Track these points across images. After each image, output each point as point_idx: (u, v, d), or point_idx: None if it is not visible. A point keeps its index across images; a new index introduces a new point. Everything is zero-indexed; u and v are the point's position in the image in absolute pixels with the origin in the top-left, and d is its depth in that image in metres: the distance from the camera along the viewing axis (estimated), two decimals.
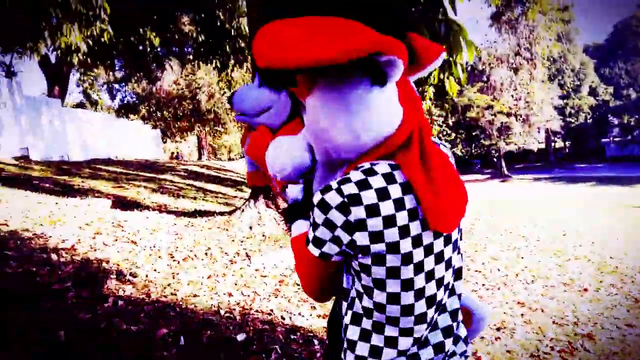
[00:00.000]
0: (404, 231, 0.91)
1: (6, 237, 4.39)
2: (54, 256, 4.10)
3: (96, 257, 4.26)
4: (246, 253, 5.22)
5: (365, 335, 1.01)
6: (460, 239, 1.08)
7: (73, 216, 5.50)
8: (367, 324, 1.01)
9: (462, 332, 1.11)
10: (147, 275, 4.09)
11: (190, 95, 28.60)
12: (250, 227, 6.28)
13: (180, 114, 28.72)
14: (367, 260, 0.93)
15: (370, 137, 0.94)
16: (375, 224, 0.89)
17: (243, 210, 6.62)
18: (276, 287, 4.42)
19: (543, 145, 46.59)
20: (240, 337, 3.29)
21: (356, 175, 0.91)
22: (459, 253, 1.06)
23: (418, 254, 0.94)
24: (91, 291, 3.62)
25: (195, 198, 9.79)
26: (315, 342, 3.36)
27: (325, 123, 0.94)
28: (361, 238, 0.90)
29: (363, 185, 0.90)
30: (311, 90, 0.95)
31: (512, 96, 31.79)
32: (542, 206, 13.97)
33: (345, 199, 0.89)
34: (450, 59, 3.68)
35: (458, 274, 1.08)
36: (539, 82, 31.18)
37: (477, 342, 3.51)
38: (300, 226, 1.16)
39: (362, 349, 1.01)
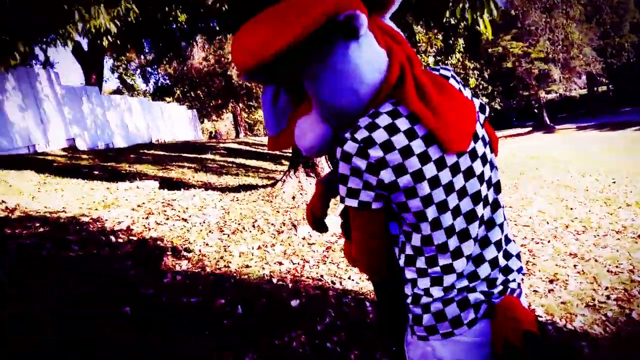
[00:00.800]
0: (424, 157, 0.95)
1: (66, 223, 4.64)
2: (112, 237, 4.30)
3: (151, 236, 4.44)
4: (292, 223, 5.33)
5: (422, 272, 1.06)
6: (492, 152, 1.11)
7: (125, 199, 5.73)
8: (420, 262, 1.05)
9: (513, 247, 1.14)
10: (200, 250, 4.25)
11: (221, 71, 28.67)
12: (293, 197, 6.38)
13: (214, 91, 28.91)
14: (402, 197, 0.97)
15: (367, 87, 0.97)
16: (394, 158, 0.94)
17: (284, 182, 6.72)
18: (324, 253, 4.52)
19: (585, 91, 44.67)
20: (294, 302, 3.40)
21: (364, 121, 0.96)
22: (492, 167, 1.09)
23: (445, 175, 0.98)
24: (150, 268, 3.81)
25: (237, 174, 9.98)
26: (367, 303, 3.44)
27: (324, 92, 0.99)
28: (387, 175, 0.95)
29: (372, 127, 0.94)
30: (301, 72, 1.00)
31: (549, 40, 30.40)
32: (588, 155, 13.54)
33: (361, 144, 0.93)
34: None
35: (497, 187, 1.11)
36: (575, 22, 29.64)
37: (530, 295, 3.51)
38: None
39: (423, 282, 1.06)
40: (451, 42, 10.22)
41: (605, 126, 29.03)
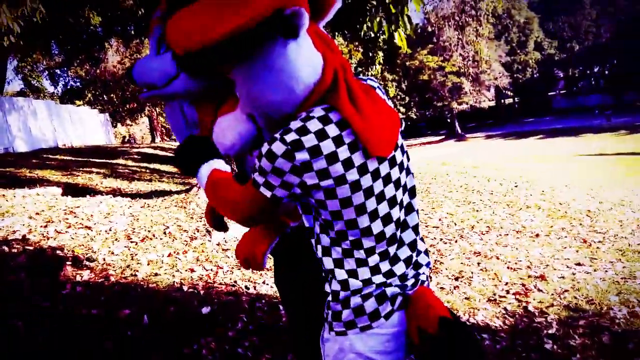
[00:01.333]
0: (348, 163, 1.00)
1: None
2: (4, 248, 3.96)
3: (49, 246, 4.13)
4: (206, 229, 5.18)
5: (339, 263, 1.10)
6: (408, 160, 1.19)
7: (22, 207, 5.30)
8: (336, 252, 1.10)
9: (422, 245, 1.23)
10: (104, 259, 4.01)
11: None
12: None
13: (128, 95, 27.76)
14: (321, 196, 1.02)
15: (302, 86, 1.00)
16: (319, 163, 0.97)
17: (199, 187, 6.55)
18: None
19: (494, 103, 47.72)
20: (205, 310, 3.30)
21: (295, 124, 0.98)
22: (408, 174, 1.17)
23: (366, 180, 1.03)
24: (47, 280, 3.53)
25: (150, 180, 9.61)
26: (280, 307, 3.40)
27: (257, 88, 1.01)
28: (309, 179, 0.99)
29: (302, 131, 0.97)
30: (235, 65, 1.01)
31: (461, 55, 32.22)
32: (495, 162, 14.41)
33: (289, 146, 0.96)
34: (397, 11, 3.67)
35: (412, 192, 1.19)
36: (485, 40, 31.67)
37: (437, 292, 3.64)
38: (219, 164, 1.20)
39: (340, 274, 1.10)
40: (371, 54, 10.50)
41: (511, 135, 31.15)
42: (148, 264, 4.04)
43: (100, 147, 19.58)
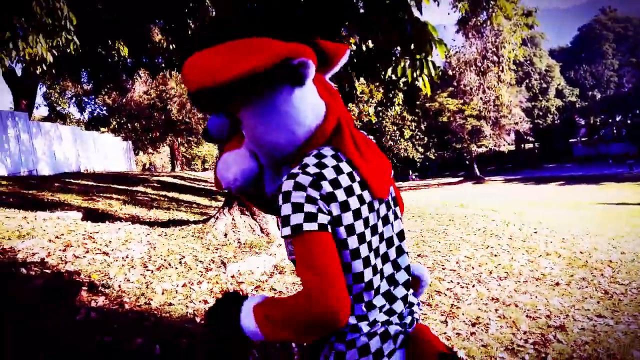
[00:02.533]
0: (361, 199, 1.07)
1: None
2: (23, 270, 4.00)
3: (67, 270, 4.17)
4: (221, 260, 5.18)
5: (351, 306, 1.10)
6: (395, 205, 1.25)
7: (42, 229, 5.37)
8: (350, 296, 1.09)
9: (412, 286, 1.29)
10: (119, 286, 4.02)
11: (162, 106, 28.29)
12: (225, 235, 6.24)
13: (152, 125, 28.36)
14: (342, 235, 1.03)
15: (303, 130, 1.08)
16: (341, 195, 1.02)
17: (217, 218, 6.57)
18: (252, 292, 4.40)
19: (513, 147, 47.57)
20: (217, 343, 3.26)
21: (311, 160, 1.05)
22: (396, 218, 1.24)
23: (372, 219, 1.10)
24: (62, 304, 3.54)
25: (168, 208, 9.68)
26: (293, 344, 3.35)
27: (262, 128, 1.08)
28: (335, 209, 1.02)
29: (321, 165, 1.04)
30: (244, 105, 1.08)
31: (482, 99, 32.39)
32: (514, 206, 14.24)
33: (314, 177, 1.00)
34: (421, 57, 3.72)
35: (401, 235, 1.24)
36: (506, 85, 31.84)
37: (453, 338, 3.55)
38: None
39: (351, 319, 1.09)
40: (391, 95, 10.63)
41: (531, 180, 30.86)
42: (162, 293, 4.04)
43: (121, 174, 19.89)
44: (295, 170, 1.03)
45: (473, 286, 4.99)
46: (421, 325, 1.19)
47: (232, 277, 4.76)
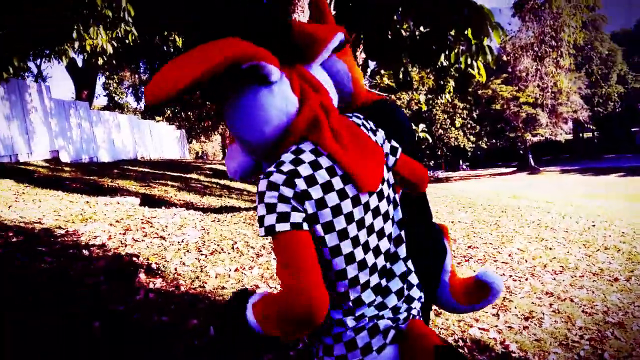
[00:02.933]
0: (343, 194, 1.05)
1: (40, 235, 4.55)
2: (85, 252, 4.22)
3: (127, 252, 4.37)
4: (271, 246, 5.29)
5: (335, 306, 1.09)
6: (394, 192, 1.22)
7: (103, 214, 5.65)
8: (332, 296, 1.08)
9: (414, 278, 1.24)
10: (175, 269, 4.18)
11: None
12: None
13: (204, 114, 29.02)
14: (320, 232, 1.03)
15: (272, 128, 1.07)
16: (317, 192, 1.01)
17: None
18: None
19: (571, 136, 45.64)
20: None
21: (287, 157, 1.05)
22: (396, 206, 1.21)
23: (358, 213, 1.07)
24: (123, 284, 3.73)
25: (220, 195, 9.93)
26: None
27: (234, 129, 1.11)
28: (310, 207, 1.01)
29: (296, 162, 1.03)
30: (220, 105, 1.13)
31: (538, 86, 31.19)
32: (570, 198, 13.72)
33: (287, 175, 1.00)
34: (477, 42, 3.63)
35: (400, 224, 1.22)
36: (565, 71, 30.49)
37: (505, 331, 3.50)
38: None
39: (336, 314, 1.09)
40: (442, 82, 10.42)
41: (589, 171, 29.60)
42: (216, 277, 4.17)
43: (175, 162, 20.51)
44: (271, 168, 1.03)
45: (526, 279, 4.88)
46: (415, 321, 1.16)
47: None
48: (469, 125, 34.77)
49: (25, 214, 5.22)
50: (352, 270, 1.07)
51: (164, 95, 0.96)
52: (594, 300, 4.28)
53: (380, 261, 1.14)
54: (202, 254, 4.66)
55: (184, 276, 4.08)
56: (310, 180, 1.01)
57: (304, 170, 1.02)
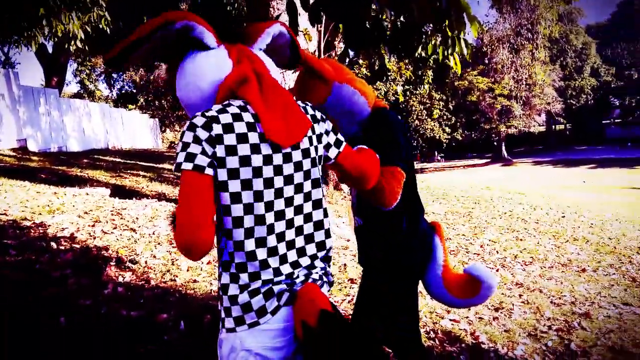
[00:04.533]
0: (255, 148, 1.13)
1: (5, 227, 4.42)
2: (53, 244, 4.12)
3: (95, 245, 4.28)
4: None
5: (231, 255, 1.15)
6: (313, 166, 1.28)
7: (72, 205, 5.51)
8: (230, 244, 1.15)
9: (318, 251, 1.31)
10: (146, 262, 4.11)
11: None
12: None
13: (178, 102, 28.66)
14: (225, 176, 1.10)
15: (207, 84, 1.20)
16: (230, 139, 1.10)
17: None
18: None
19: (544, 128, 46.43)
20: None
21: (215, 107, 1.15)
22: (309, 179, 1.26)
23: (268, 171, 1.15)
24: (91, 278, 3.65)
25: None
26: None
27: (179, 92, 1.25)
28: (220, 151, 1.09)
29: (221, 110, 1.13)
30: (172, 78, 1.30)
31: (513, 78, 31.56)
32: (542, 189, 13.97)
33: (208, 119, 1.10)
34: (454, 34, 3.62)
35: (316, 203, 1.29)
36: (540, 64, 30.91)
37: (475, 322, 3.54)
38: None
39: (231, 267, 1.15)
40: (421, 73, 10.44)
41: (561, 162, 30.21)
42: (187, 270, 4.12)
43: (148, 151, 20.20)
44: (197, 113, 1.13)
45: (497, 270, 4.94)
46: (310, 284, 1.20)
47: None
48: (444, 117, 35.05)
49: None
50: (249, 220, 1.13)
51: (116, 51, 1.14)
52: (562, 291, 4.36)
53: (281, 226, 1.19)
54: (173, 247, 4.59)
55: (154, 269, 4.02)
56: (227, 128, 1.10)
57: (224, 118, 1.11)
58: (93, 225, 4.81)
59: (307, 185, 1.25)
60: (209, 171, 1.09)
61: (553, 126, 47.97)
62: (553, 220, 7.94)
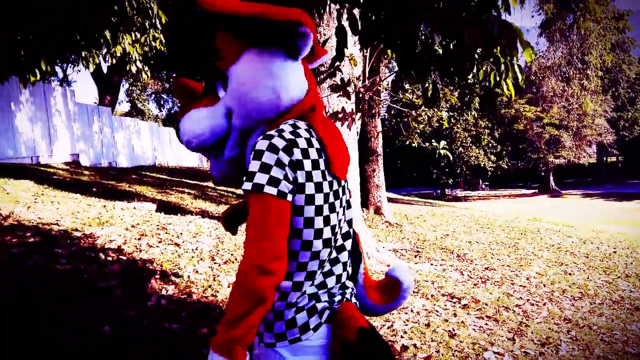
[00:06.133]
0: (324, 175, 1.14)
1: (57, 236, 4.59)
2: (101, 255, 4.24)
3: (141, 258, 4.38)
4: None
5: (289, 275, 1.14)
6: (349, 195, 1.33)
7: (120, 218, 5.68)
8: (292, 265, 1.14)
9: (348, 272, 1.33)
10: (189, 277, 4.17)
11: None
12: None
13: None
14: (302, 201, 1.10)
15: (288, 97, 1.15)
16: (307, 165, 1.09)
17: None
18: None
19: (594, 160, 44.87)
20: None
21: (287, 127, 1.12)
22: (348, 207, 1.31)
23: (332, 196, 1.17)
24: (136, 290, 3.72)
25: None
26: None
27: (251, 84, 1.13)
28: (301, 177, 1.08)
29: (295, 133, 1.10)
30: (237, 60, 1.15)
31: (563, 107, 30.77)
32: (592, 223, 13.45)
33: (288, 142, 1.07)
34: (506, 60, 3.56)
35: (349, 222, 1.32)
36: (591, 94, 30.03)
37: (520, 357, 3.39)
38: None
39: (286, 285, 1.15)
40: (468, 99, 10.30)
41: (612, 196, 29.05)
42: (228, 286, 4.15)
43: (194, 169, 20.68)
44: (272, 132, 1.08)
45: (544, 304, 4.75)
46: (347, 302, 1.23)
47: None
48: (490, 145, 34.42)
49: (44, 215, 5.28)
50: (318, 244, 1.14)
51: (231, 9, 1.03)
52: (613, 328, 4.14)
53: (335, 244, 1.23)
54: (215, 263, 4.64)
55: (196, 284, 4.07)
56: (305, 153, 1.09)
57: (301, 142, 1.09)
58: (139, 239, 4.93)
59: (348, 213, 1.31)
60: (290, 197, 1.07)
61: (604, 158, 46.35)
62: (604, 255, 7.60)
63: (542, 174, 36.84)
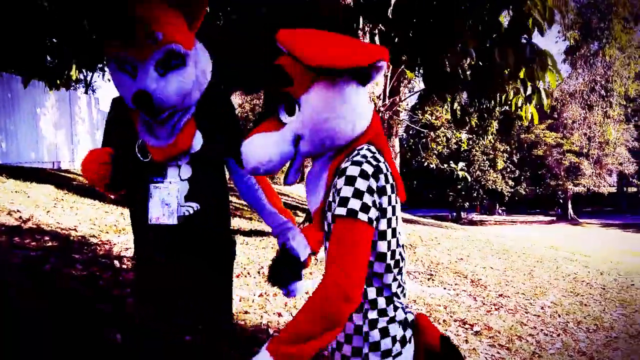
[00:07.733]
0: (395, 198, 1.17)
1: (74, 242, 4.66)
2: (116, 262, 4.29)
3: None
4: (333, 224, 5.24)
5: (379, 291, 1.19)
6: None
7: None
8: (378, 281, 1.19)
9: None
10: None
11: (255, 119, 29.40)
12: None
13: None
14: (385, 226, 1.14)
15: (362, 124, 1.18)
16: (389, 190, 1.13)
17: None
18: None
19: (615, 190, 44.12)
20: None
21: (368, 153, 1.13)
22: None
23: (399, 219, 1.22)
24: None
25: (250, 218, 9.98)
26: None
27: (326, 114, 1.13)
28: (385, 202, 1.12)
29: (376, 159, 1.13)
30: (309, 88, 1.13)
31: (585, 134, 30.41)
32: (609, 254, 13.21)
33: (375, 168, 1.09)
34: (533, 84, 3.56)
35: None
36: (614, 122, 29.66)
37: None
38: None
39: (380, 302, 1.19)
40: (485, 123, 10.27)
41: (632, 227, 28.47)
42: (240, 300, 4.16)
43: None
44: (359, 158, 1.10)
45: (558, 335, 4.67)
46: (420, 313, 1.31)
47: (307, 293, 4.79)
48: (508, 169, 34.12)
49: (62, 220, 5.37)
50: (395, 266, 1.20)
51: (330, 64, 1.03)
52: None
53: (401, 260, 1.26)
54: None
55: None
56: (386, 179, 1.12)
57: (382, 168, 1.12)
58: None
59: None
60: (375, 224, 1.10)
61: (625, 188, 45.54)
62: (621, 287, 7.45)
63: (561, 201, 36.33)
